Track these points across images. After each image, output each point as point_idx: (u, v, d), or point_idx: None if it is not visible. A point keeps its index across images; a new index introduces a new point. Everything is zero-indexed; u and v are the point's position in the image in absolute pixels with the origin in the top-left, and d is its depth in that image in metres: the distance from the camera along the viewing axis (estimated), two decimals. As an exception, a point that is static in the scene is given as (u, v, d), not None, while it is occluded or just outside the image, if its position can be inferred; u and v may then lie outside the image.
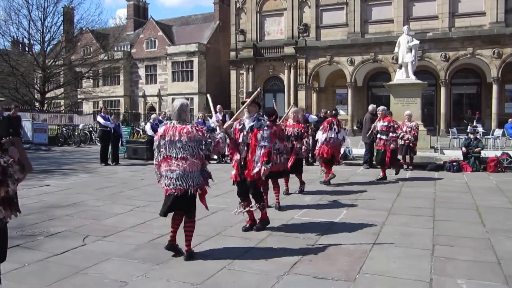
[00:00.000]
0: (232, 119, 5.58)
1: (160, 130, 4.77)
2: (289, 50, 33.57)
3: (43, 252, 4.99)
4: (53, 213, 6.94)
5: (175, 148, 4.57)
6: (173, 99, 41.33)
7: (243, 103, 5.75)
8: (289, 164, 7.98)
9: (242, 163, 5.61)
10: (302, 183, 8.75)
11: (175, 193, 4.59)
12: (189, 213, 4.74)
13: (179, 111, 4.68)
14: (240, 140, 5.62)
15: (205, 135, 4.62)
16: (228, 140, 5.13)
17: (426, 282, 4.08)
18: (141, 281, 4.17)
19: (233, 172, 5.74)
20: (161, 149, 4.68)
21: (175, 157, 4.57)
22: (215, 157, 13.74)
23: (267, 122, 5.73)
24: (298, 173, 8.66)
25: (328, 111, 12.34)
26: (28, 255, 4.87)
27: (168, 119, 17.54)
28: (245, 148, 5.58)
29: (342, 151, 11.29)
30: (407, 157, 12.41)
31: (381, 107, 10.96)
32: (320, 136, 9.53)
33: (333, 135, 9.39)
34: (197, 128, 4.63)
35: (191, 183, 4.58)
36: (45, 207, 7.42)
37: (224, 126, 5.11)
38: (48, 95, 35.06)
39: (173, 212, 4.76)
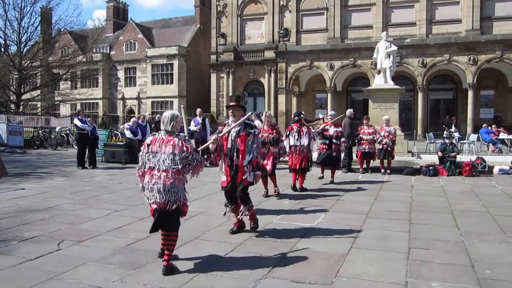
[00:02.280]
0: (217, 137, 5.50)
1: (148, 140, 4.65)
2: (270, 54, 33.72)
3: (16, 257, 4.88)
4: (27, 217, 6.80)
5: (159, 160, 4.44)
6: (152, 102, 41.20)
7: (227, 107, 5.78)
8: (269, 167, 8.19)
9: (234, 168, 5.66)
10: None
11: (158, 208, 4.49)
12: (168, 227, 4.56)
13: (168, 122, 4.54)
14: (229, 145, 5.64)
15: (190, 151, 4.47)
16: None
17: (402, 285, 4.14)
18: (117, 286, 4.11)
19: (224, 178, 5.73)
20: (145, 160, 4.53)
21: (157, 169, 4.44)
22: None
23: (256, 131, 5.78)
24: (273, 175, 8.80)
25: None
26: (0, 260, 4.76)
27: (148, 122, 17.49)
28: (235, 153, 5.61)
29: (315, 156, 10.73)
30: (385, 161, 12.57)
31: (332, 112, 11.68)
32: (285, 144, 9.29)
33: (294, 143, 9.11)
34: (183, 143, 4.47)
35: (171, 198, 4.45)
36: (19, 211, 7.26)
37: (212, 140, 5.43)
38: (24, 96, 34.39)
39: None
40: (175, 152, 4.42)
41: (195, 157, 4.52)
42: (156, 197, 4.44)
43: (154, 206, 4.50)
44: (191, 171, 4.55)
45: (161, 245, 4.71)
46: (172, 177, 4.42)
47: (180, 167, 4.42)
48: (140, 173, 4.59)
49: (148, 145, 4.55)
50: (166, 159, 4.42)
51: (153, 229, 4.60)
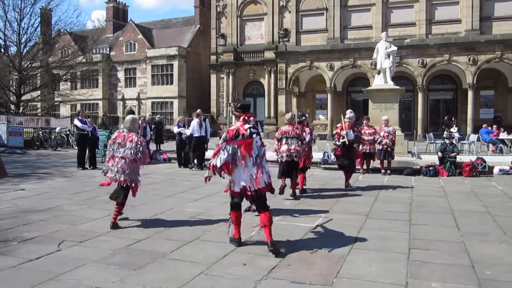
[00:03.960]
0: None
1: (113, 135, 6.43)
2: (270, 54, 33.74)
3: (16, 258, 4.88)
4: (27, 218, 6.79)
5: (119, 150, 6.26)
6: (152, 103, 41.21)
7: (230, 105, 5.88)
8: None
9: None
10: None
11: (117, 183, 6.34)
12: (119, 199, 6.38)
13: (130, 123, 6.43)
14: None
15: (138, 145, 6.25)
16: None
17: (402, 286, 4.13)
18: (117, 286, 4.11)
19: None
20: (111, 150, 6.35)
21: (118, 156, 6.26)
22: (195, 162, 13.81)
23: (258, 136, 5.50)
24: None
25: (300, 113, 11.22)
26: (0, 261, 4.76)
27: (148, 123, 17.62)
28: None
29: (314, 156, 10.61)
30: (385, 161, 12.57)
31: (350, 114, 10.23)
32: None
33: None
34: (138, 138, 6.32)
35: (127, 177, 6.25)
36: (20, 211, 7.26)
37: None
38: (24, 97, 34.40)
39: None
40: (133, 145, 6.23)
41: (143, 151, 6.33)
42: (116, 176, 6.29)
43: (115, 181, 6.37)
44: (139, 160, 6.30)
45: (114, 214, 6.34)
46: (129, 162, 6.24)
47: (134, 157, 6.23)
48: (107, 159, 6.48)
49: (114, 139, 6.37)
50: (126, 149, 6.23)
51: (112, 196, 6.48)
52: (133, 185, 6.37)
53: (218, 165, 5.17)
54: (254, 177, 5.17)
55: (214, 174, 5.28)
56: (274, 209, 7.51)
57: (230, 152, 5.16)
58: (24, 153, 19.46)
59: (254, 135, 5.29)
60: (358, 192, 9.50)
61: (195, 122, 13.63)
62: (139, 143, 6.25)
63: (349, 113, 10.31)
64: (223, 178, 5.44)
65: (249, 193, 5.19)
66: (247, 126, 5.28)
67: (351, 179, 10.17)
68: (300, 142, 8.52)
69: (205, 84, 39.74)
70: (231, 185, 5.33)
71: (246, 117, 5.39)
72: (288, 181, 8.60)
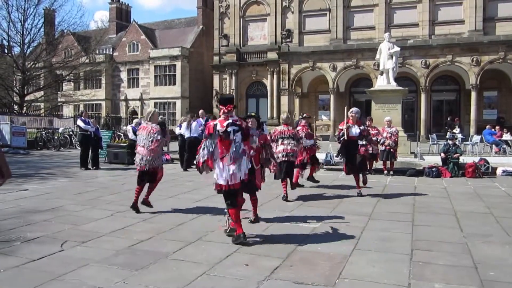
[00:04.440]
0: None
1: (141, 126, 7.48)
2: (272, 55, 33.75)
3: (19, 258, 4.89)
4: (30, 218, 6.81)
5: (145, 139, 7.21)
6: (155, 103, 41.27)
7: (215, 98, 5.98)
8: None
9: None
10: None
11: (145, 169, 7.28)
12: (153, 181, 7.44)
13: (147, 116, 7.45)
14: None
15: (154, 133, 7.15)
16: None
17: (405, 287, 4.12)
18: (120, 287, 4.11)
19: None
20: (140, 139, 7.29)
21: (140, 145, 7.29)
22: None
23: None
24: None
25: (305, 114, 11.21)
26: (3, 261, 4.77)
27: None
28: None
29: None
30: (388, 162, 12.55)
31: (354, 109, 9.58)
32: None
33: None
34: (151, 128, 7.22)
35: (146, 163, 7.24)
36: (23, 212, 7.28)
37: None
38: (27, 97, 34.53)
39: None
40: (150, 134, 7.16)
41: (156, 138, 7.14)
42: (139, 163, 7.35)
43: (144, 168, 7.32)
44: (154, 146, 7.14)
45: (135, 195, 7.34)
46: (153, 149, 7.17)
47: (150, 144, 7.14)
48: (137, 146, 7.45)
49: (141, 130, 7.37)
50: (144, 139, 7.21)
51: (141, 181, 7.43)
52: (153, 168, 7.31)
53: (201, 161, 5.44)
54: (230, 172, 5.33)
55: (200, 170, 5.53)
56: (277, 209, 7.53)
57: (209, 148, 5.39)
58: (27, 154, 19.51)
59: (231, 131, 5.35)
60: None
61: (185, 123, 13.72)
62: (152, 131, 7.12)
63: (356, 109, 9.51)
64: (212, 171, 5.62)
65: (224, 188, 5.39)
66: (226, 122, 5.37)
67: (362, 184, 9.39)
68: (296, 142, 8.66)
69: (208, 84, 39.77)
70: (215, 180, 5.52)
71: (225, 110, 5.44)
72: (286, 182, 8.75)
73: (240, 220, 5.45)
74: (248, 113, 7.16)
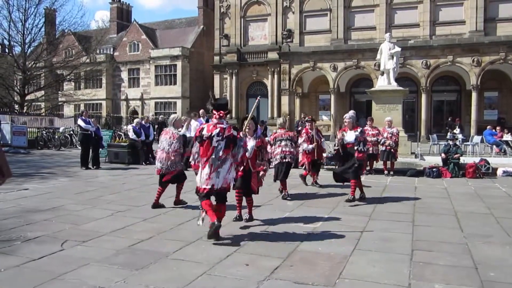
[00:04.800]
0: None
1: (164, 130, 7.86)
2: (273, 55, 33.76)
3: (19, 257, 4.89)
4: (31, 217, 6.81)
5: (165, 143, 7.52)
6: (156, 103, 41.31)
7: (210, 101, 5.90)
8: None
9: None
10: (285, 189, 8.79)
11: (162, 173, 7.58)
12: (179, 182, 7.67)
13: (170, 121, 7.84)
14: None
15: (173, 140, 7.53)
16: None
17: (405, 287, 4.12)
18: (120, 286, 4.11)
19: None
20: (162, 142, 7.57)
21: (160, 149, 7.59)
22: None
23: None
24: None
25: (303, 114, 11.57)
26: (3, 260, 4.77)
27: (151, 123, 17.72)
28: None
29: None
30: (388, 162, 12.54)
31: (349, 113, 8.82)
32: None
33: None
34: (171, 134, 7.56)
35: (163, 167, 7.49)
36: (23, 211, 7.28)
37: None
38: (28, 97, 34.53)
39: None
40: (170, 139, 7.53)
41: (174, 144, 7.49)
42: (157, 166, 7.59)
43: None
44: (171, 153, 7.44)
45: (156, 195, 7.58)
46: (171, 154, 7.48)
47: (169, 149, 7.44)
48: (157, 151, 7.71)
49: (164, 135, 7.64)
50: (168, 143, 7.51)
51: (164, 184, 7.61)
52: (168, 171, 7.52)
53: (192, 163, 5.83)
54: (206, 177, 5.48)
55: (195, 171, 5.80)
56: (277, 209, 7.53)
57: (195, 150, 5.68)
58: (28, 153, 19.51)
59: (214, 138, 5.45)
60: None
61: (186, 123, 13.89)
62: (172, 137, 7.52)
63: (350, 113, 8.79)
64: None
65: (201, 190, 5.55)
66: (215, 130, 5.47)
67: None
68: (293, 144, 8.89)
69: (208, 84, 39.75)
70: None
71: (217, 116, 5.59)
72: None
73: (212, 208, 5.51)
74: (246, 114, 7.18)
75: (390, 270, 4.57)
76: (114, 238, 5.70)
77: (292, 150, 8.77)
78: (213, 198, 5.70)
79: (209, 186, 5.49)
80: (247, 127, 6.21)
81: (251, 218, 6.63)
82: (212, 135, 5.45)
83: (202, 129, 5.60)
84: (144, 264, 4.67)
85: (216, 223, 5.37)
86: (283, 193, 8.69)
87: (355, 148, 8.34)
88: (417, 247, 5.39)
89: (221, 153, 5.46)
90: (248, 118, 6.32)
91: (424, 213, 7.42)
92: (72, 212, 7.26)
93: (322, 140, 10.48)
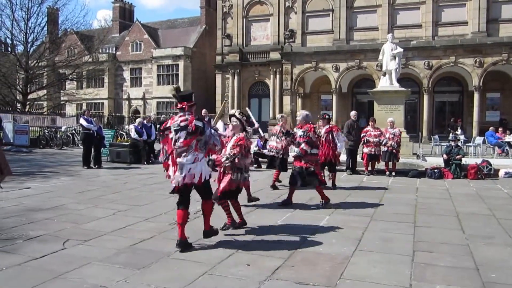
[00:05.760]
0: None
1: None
2: (275, 55, 33.74)
3: (21, 256, 4.91)
4: (33, 216, 6.83)
5: None
6: (158, 103, 41.34)
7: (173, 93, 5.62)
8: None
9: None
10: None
11: None
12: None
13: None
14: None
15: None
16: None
17: (406, 288, 4.13)
18: (122, 286, 4.12)
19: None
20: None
21: None
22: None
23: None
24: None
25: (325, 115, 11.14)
26: (5, 259, 4.79)
27: (153, 123, 17.69)
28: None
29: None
30: (390, 163, 12.53)
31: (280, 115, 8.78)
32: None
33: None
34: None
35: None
36: (25, 210, 7.30)
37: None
38: (30, 96, 34.61)
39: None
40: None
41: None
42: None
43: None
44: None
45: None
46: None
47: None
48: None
49: None
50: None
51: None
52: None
53: (161, 159, 5.49)
54: (172, 173, 5.24)
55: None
56: (278, 209, 7.52)
57: (162, 145, 5.45)
58: (30, 152, 19.55)
59: (173, 130, 5.17)
60: (362, 193, 9.48)
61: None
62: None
63: (302, 113, 8.10)
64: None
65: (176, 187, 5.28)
66: (175, 122, 5.21)
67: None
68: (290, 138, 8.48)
69: (211, 84, 39.80)
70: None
71: (181, 107, 5.31)
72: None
73: (183, 221, 5.20)
74: (232, 112, 6.60)
75: (391, 271, 4.57)
76: (116, 238, 5.71)
77: (276, 145, 9.57)
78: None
79: (176, 183, 5.18)
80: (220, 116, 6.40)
81: (243, 223, 6.23)
82: (171, 127, 5.19)
83: (166, 123, 5.35)
84: (146, 264, 4.68)
85: (178, 241, 5.15)
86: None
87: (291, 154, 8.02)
88: (418, 248, 5.39)
89: (181, 144, 5.13)
90: (219, 112, 6.56)
91: (425, 214, 7.41)
92: (73, 211, 7.27)
93: (338, 143, 9.91)
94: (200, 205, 5.49)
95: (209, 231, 5.49)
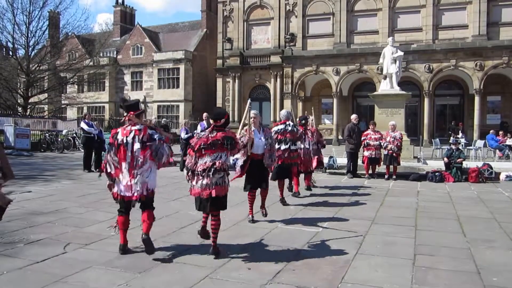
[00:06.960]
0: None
1: None
2: (276, 59, 33.78)
3: (22, 259, 4.91)
4: (34, 220, 6.84)
5: None
6: (158, 106, 41.36)
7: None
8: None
9: None
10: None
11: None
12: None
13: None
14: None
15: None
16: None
17: (407, 292, 4.12)
18: (123, 289, 4.13)
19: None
20: None
21: None
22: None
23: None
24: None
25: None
26: (7, 262, 4.79)
27: (154, 127, 17.88)
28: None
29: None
30: (391, 167, 12.52)
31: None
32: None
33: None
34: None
35: None
36: (26, 213, 7.31)
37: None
38: (31, 100, 34.60)
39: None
40: None
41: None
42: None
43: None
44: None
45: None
46: None
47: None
48: None
49: None
50: None
51: None
52: None
53: (108, 170, 5.19)
54: (127, 184, 5.11)
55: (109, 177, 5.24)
56: (279, 213, 7.53)
57: (110, 157, 5.19)
58: (31, 155, 19.57)
59: (127, 141, 5.08)
60: (363, 197, 9.48)
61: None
62: None
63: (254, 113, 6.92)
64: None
65: (117, 196, 5.24)
66: (130, 134, 5.09)
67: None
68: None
69: (211, 88, 39.83)
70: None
71: (127, 118, 5.21)
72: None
73: (125, 227, 5.28)
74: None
75: (393, 274, 4.56)
76: (117, 241, 5.69)
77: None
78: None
79: (129, 194, 5.12)
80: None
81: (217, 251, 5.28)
82: (127, 139, 5.07)
83: (117, 133, 5.18)
84: (147, 267, 4.68)
85: (120, 246, 5.19)
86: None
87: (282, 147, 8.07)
88: (419, 251, 5.39)
89: (139, 156, 5.06)
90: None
91: (426, 217, 7.41)
92: (74, 215, 7.28)
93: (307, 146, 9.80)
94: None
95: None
